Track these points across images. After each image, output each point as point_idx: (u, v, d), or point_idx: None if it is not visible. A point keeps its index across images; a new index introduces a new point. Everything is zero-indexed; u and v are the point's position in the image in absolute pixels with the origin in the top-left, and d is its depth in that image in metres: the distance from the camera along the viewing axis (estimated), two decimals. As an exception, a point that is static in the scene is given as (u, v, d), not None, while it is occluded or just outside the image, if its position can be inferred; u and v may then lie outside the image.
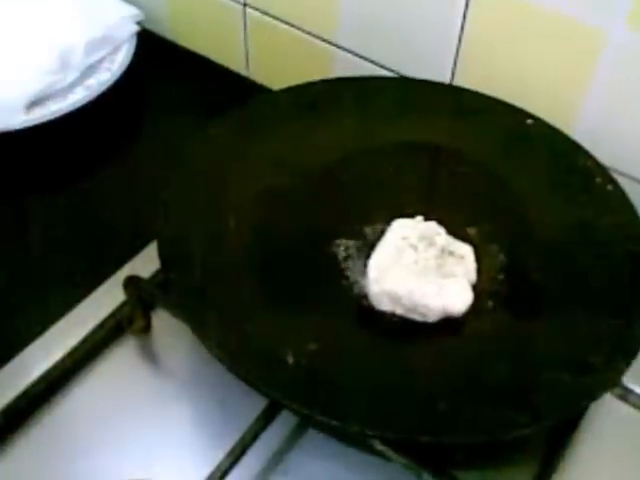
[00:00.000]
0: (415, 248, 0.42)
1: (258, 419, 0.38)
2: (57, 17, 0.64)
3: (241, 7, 0.64)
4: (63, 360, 0.44)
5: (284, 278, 0.43)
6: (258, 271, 0.43)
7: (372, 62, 0.60)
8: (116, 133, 0.63)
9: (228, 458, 0.38)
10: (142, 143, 0.62)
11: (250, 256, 0.43)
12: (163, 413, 0.44)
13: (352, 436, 0.40)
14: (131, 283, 0.42)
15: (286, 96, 0.52)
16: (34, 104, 0.59)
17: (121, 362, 0.45)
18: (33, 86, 0.59)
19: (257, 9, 0.63)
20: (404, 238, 0.43)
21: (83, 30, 0.63)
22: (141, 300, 0.43)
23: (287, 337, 0.39)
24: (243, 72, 0.68)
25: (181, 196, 0.44)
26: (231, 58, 0.68)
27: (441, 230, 0.44)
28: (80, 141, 0.61)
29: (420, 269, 0.41)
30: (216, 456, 0.41)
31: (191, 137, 0.49)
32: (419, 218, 0.44)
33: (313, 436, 0.42)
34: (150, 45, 0.66)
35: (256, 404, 0.42)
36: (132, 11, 0.66)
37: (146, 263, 0.48)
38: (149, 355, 0.46)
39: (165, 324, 0.46)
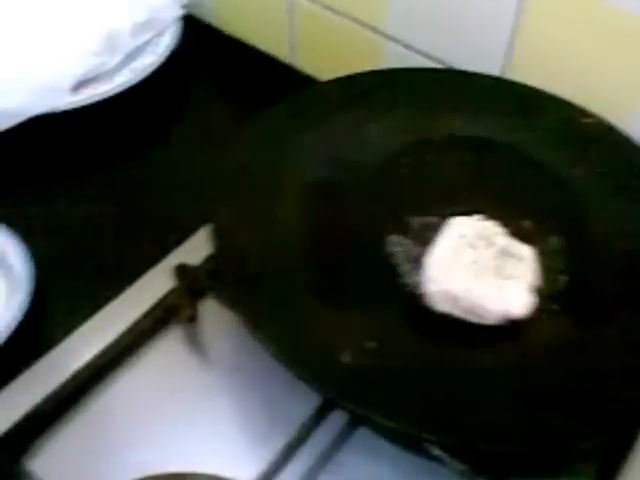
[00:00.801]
0: (474, 247, 0.41)
1: (311, 417, 0.38)
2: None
3: (288, -7, 0.63)
4: (108, 349, 0.43)
5: (337, 273, 0.42)
6: (310, 265, 0.42)
7: (420, 53, 0.58)
8: (160, 117, 0.62)
9: (280, 456, 0.37)
10: (185, 128, 0.61)
11: (302, 249, 0.42)
12: (206, 405, 0.43)
13: (406, 439, 0.39)
14: (182, 271, 0.41)
15: (336, 87, 0.51)
16: (80, 86, 0.58)
17: (166, 351, 0.45)
18: (79, 68, 0.58)
19: (302, -5, 0.62)
20: (462, 237, 0.41)
21: (129, 13, 0.62)
22: (190, 289, 0.43)
23: (342, 334, 0.39)
24: (288, 60, 0.67)
25: (233, 186, 0.43)
26: (276, 46, 0.67)
27: (500, 230, 0.42)
28: (124, 124, 0.60)
29: (479, 269, 0.40)
30: (260, 450, 0.41)
31: (242, 126, 0.48)
32: (477, 217, 0.43)
33: (363, 435, 0.41)
34: (195, 30, 0.66)
35: (302, 399, 0.41)
36: (178, -6, 0.65)
37: (192, 251, 0.47)
38: (194, 345, 0.45)
39: (211, 313, 0.45)
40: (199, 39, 0.66)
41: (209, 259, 0.44)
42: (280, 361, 0.36)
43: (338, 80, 0.52)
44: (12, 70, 0.57)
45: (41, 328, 0.46)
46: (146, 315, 0.44)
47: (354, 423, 0.40)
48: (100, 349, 0.43)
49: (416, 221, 0.45)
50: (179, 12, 0.65)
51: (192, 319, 0.44)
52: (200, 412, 0.43)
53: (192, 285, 0.42)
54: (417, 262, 0.42)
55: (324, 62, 0.64)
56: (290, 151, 0.47)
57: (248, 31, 0.68)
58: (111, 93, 0.58)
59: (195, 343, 0.45)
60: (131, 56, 0.61)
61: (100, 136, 0.59)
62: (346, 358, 0.37)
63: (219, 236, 0.40)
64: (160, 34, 0.63)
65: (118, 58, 0.60)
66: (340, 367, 0.37)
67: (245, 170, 0.45)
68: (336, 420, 0.40)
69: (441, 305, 0.40)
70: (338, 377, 0.37)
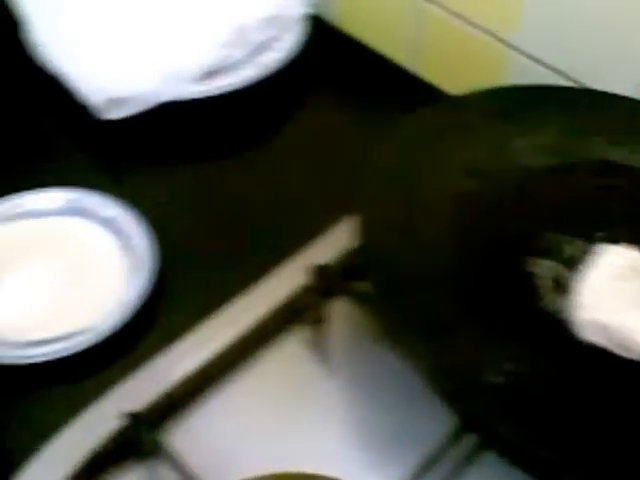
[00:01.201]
0: (625, 278, 0.39)
1: (447, 438, 0.36)
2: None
3: (417, -1, 0.62)
4: (231, 344, 0.43)
5: (478, 289, 0.40)
6: (451, 280, 0.40)
7: (550, 67, 0.56)
8: (279, 113, 0.62)
9: (411, 476, 0.35)
10: (303, 125, 0.61)
11: (443, 264, 0.41)
12: (327, 410, 0.42)
13: (540, 467, 0.37)
14: (318, 272, 0.41)
15: (482, 98, 0.50)
16: (207, 76, 0.59)
17: (289, 352, 0.44)
18: (208, 58, 0.59)
19: (434, 2, 0.61)
20: (612, 265, 0.40)
21: (257, 7, 0.62)
22: (321, 288, 0.42)
23: (483, 353, 0.37)
24: (410, 67, 0.66)
25: (379, 191, 0.42)
26: (399, 52, 0.66)
27: (652, 262, 0.40)
28: (245, 116, 0.60)
29: (630, 301, 0.38)
30: (378, 465, 0.40)
31: (382, 135, 0.47)
32: (629, 247, 0.41)
33: (488, 461, 0.39)
34: (319, 30, 0.65)
35: (429, 417, 0.40)
36: (304, -7, 0.65)
37: (321, 249, 0.46)
38: (318, 348, 0.44)
39: (338, 315, 0.44)
40: (322, 39, 0.66)
41: (343, 259, 0.43)
42: (423, 377, 0.35)
43: (484, 92, 0.50)
44: (145, 58, 0.58)
45: (159, 310, 0.46)
46: (274, 313, 0.43)
47: (484, 446, 0.39)
48: (224, 343, 0.43)
49: (559, 243, 0.43)
50: (305, 10, 0.64)
51: (319, 320, 0.43)
52: (320, 418, 0.42)
53: (327, 286, 0.41)
54: (561, 286, 0.41)
55: (448, 72, 0.63)
56: (435, 161, 0.45)
57: (372, 34, 0.67)
58: (235, 86, 0.59)
59: (319, 346, 0.44)
60: (257, 51, 0.61)
61: (223, 125, 0.60)
62: (487, 378, 0.36)
63: (368, 248, 0.38)
64: (286, 31, 0.63)
65: (244, 51, 0.60)
66: (481, 387, 0.36)
67: (387, 179, 0.44)
68: (464, 443, 0.39)
69: (589, 334, 0.38)
70: (480, 397, 0.35)
